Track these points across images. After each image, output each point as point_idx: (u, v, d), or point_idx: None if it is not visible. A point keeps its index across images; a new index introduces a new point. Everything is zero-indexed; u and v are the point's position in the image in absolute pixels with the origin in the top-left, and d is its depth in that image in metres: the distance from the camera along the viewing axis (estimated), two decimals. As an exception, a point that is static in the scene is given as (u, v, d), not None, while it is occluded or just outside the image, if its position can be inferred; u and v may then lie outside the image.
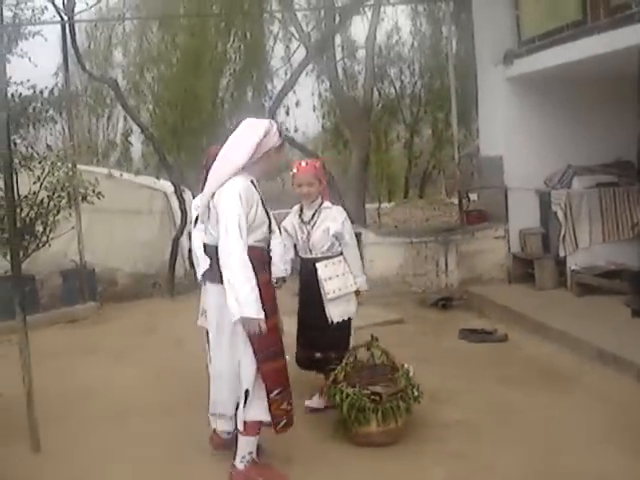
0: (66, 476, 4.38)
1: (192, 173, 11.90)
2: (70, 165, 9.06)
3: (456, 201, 10.15)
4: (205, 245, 4.15)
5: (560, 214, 8.24)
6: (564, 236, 8.20)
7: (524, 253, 8.82)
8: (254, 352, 3.93)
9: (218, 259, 3.89)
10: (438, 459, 4.31)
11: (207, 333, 4.80)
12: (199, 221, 4.28)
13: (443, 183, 18.77)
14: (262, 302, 3.81)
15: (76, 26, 9.76)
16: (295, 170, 5.07)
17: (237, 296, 3.74)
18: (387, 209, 15.62)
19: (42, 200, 8.77)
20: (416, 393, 4.61)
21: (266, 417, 4.03)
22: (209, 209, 4.01)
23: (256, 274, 3.83)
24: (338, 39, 13.51)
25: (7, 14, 8.30)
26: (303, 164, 5.11)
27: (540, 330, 6.89)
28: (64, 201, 8.92)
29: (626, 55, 6.71)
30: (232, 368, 4.05)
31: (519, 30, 8.71)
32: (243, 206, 3.85)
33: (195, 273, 4.74)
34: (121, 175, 10.97)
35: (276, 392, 4.00)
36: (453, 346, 6.87)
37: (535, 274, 8.47)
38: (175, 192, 10.29)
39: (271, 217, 4.18)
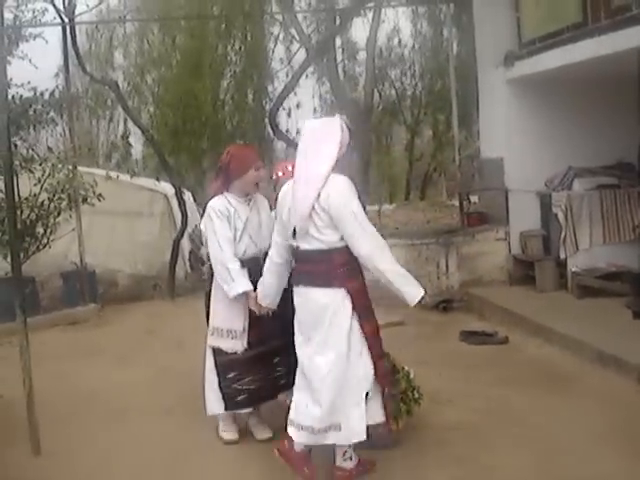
0: (67, 478, 4.38)
1: (192, 175, 11.92)
2: (70, 167, 9.07)
3: (457, 203, 10.14)
4: (300, 251, 3.96)
5: (561, 216, 8.23)
6: (565, 238, 8.18)
7: (525, 255, 8.81)
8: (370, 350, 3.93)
9: (322, 263, 3.88)
10: (439, 461, 4.29)
11: (214, 352, 4.69)
12: (299, 230, 3.93)
13: (444, 185, 18.78)
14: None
15: (77, 28, 9.79)
16: (280, 174, 4.83)
17: (413, 281, 3.85)
18: (388, 211, 15.61)
19: (42, 202, 8.78)
20: (416, 395, 4.60)
21: (382, 418, 4.03)
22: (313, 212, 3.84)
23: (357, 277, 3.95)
24: (339, 41, 13.54)
25: (8, 16, 8.30)
26: (289, 167, 4.59)
27: (541, 332, 6.88)
28: (64, 203, 8.93)
29: (627, 57, 6.71)
30: (344, 372, 3.89)
31: (519, 32, 8.70)
32: None
33: (203, 278, 4.70)
34: (117, 177, 10.98)
35: (387, 391, 4.03)
36: (454, 348, 6.86)
37: (536, 276, 8.47)
38: (175, 194, 10.30)
39: None
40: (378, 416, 4.00)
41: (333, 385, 3.85)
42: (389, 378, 4.09)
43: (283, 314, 4.35)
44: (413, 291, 3.84)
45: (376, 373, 3.94)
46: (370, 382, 3.91)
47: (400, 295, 3.86)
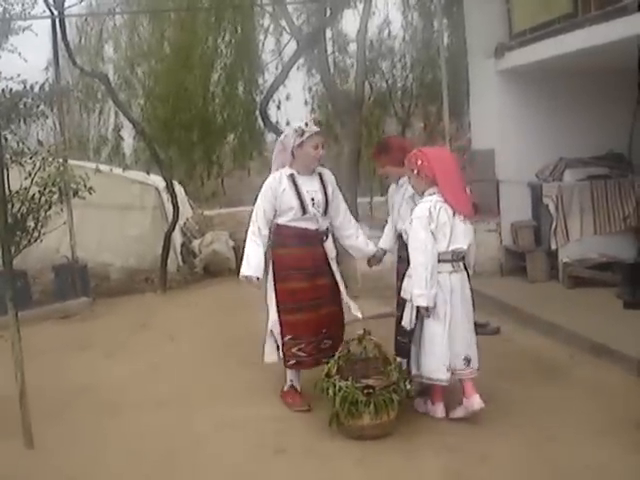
0: (60, 472, 4.38)
1: (183, 167, 11.88)
2: (61, 160, 9.03)
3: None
4: None
5: (552, 207, 8.26)
6: (556, 229, 8.22)
7: (516, 246, 8.84)
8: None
9: None
10: (431, 451, 4.32)
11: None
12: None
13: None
14: None
15: (66, 21, 9.72)
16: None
17: None
18: (379, 203, 15.61)
19: (33, 195, 8.73)
20: (408, 386, 4.62)
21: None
22: None
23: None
24: (329, 33, 13.46)
25: (-3, 9, 8.28)
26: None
27: (532, 322, 6.90)
28: (55, 196, 8.88)
29: (617, 48, 6.72)
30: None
31: (510, 23, 8.70)
32: None
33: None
34: (111, 170, 10.95)
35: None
36: (446, 339, 6.87)
37: (527, 267, 8.50)
38: (167, 187, 10.27)
39: None
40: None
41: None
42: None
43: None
44: None
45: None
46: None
47: None
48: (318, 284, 5.13)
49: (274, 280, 5.13)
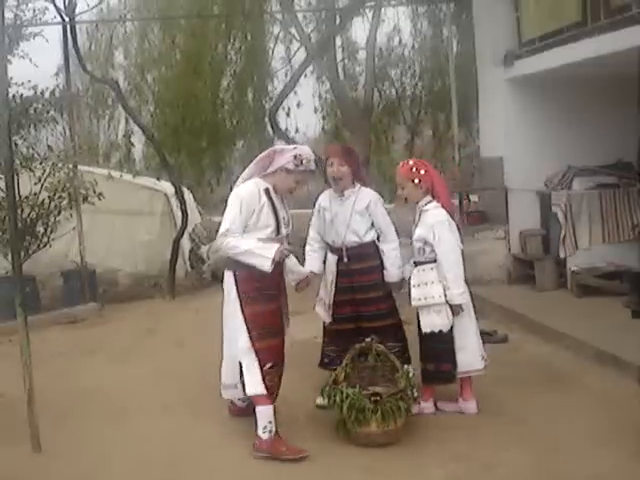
0: (67, 476, 4.38)
1: (192, 174, 11.91)
2: (71, 166, 9.08)
3: (456, 202, 10.13)
4: None
5: (560, 215, 8.24)
6: (564, 237, 8.20)
7: (524, 254, 8.82)
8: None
9: None
10: (438, 460, 4.31)
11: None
12: None
13: (444, 184, 18.70)
14: None
15: (77, 27, 9.79)
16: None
17: None
18: (388, 210, 15.61)
19: (43, 201, 8.79)
20: (415, 394, 4.62)
21: (259, 390, 4.60)
22: None
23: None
24: (339, 40, 13.51)
25: (8, 15, 8.31)
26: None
27: (540, 331, 6.89)
28: (65, 202, 8.94)
29: (626, 56, 6.72)
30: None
31: (519, 31, 8.71)
32: None
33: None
34: (121, 176, 11.00)
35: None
36: (453, 347, 6.85)
37: (535, 275, 8.48)
38: (176, 193, 10.30)
39: None
40: (256, 387, 4.51)
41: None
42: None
43: None
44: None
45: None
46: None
47: None
48: (280, 305, 4.85)
49: (240, 303, 4.60)
